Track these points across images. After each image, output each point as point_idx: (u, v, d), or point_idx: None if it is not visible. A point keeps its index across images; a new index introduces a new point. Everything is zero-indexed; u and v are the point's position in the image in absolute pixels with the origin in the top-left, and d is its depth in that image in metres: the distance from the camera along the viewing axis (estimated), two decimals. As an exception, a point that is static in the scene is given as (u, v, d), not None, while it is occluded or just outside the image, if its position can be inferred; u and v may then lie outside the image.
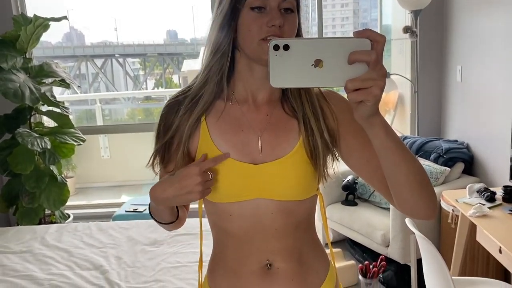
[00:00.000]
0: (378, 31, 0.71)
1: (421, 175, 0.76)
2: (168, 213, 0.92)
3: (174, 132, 0.89)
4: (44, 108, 3.25)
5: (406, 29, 3.16)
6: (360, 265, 2.67)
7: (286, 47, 0.64)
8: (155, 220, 0.96)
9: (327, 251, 1.02)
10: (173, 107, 0.91)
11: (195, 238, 2.30)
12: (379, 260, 2.67)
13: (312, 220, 0.97)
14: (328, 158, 0.90)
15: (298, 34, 0.86)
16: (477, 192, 2.24)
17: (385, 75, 0.64)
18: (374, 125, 0.69)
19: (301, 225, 0.93)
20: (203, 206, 0.97)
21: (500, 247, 1.78)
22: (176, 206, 0.94)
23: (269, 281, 0.91)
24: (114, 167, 5.19)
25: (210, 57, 0.87)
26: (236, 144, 0.88)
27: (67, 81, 3.17)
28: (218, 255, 0.97)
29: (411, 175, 0.75)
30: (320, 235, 1.02)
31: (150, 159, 0.92)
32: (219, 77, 0.87)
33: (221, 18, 0.83)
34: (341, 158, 0.91)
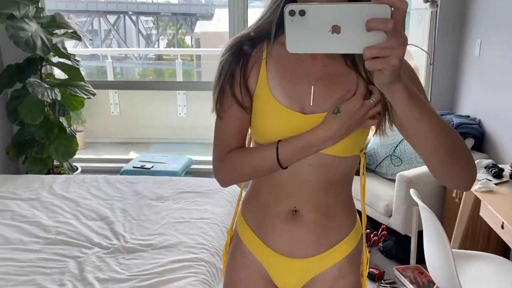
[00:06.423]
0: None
1: (453, 145, 0.73)
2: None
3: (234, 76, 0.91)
4: (55, 60, 3.24)
5: (427, -1, 3.06)
6: (361, 233, 2.70)
7: (302, 13, 0.62)
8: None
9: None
10: (233, 48, 0.91)
11: (200, 196, 2.32)
12: (380, 230, 2.69)
13: (349, 179, 0.98)
14: (385, 117, 0.86)
15: None
16: (485, 168, 2.22)
17: (405, 43, 0.61)
18: (394, 92, 0.67)
19: (337, 182, 0.95)
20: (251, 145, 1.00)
21: (503, 222, 1.78)
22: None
23: (291, 225, 0.95)
24: (124, 124, 5.21)
25: (273, 2, 0.86)
26: (289, 92, 0.89)
27: (79, 33, 3.14)
28: (254, 193, 1.03)
29: (441, 144, 0.72)
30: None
31: (215, 103, 0.93)
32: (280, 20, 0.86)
33: None
34: (391, 120, 0.88)
